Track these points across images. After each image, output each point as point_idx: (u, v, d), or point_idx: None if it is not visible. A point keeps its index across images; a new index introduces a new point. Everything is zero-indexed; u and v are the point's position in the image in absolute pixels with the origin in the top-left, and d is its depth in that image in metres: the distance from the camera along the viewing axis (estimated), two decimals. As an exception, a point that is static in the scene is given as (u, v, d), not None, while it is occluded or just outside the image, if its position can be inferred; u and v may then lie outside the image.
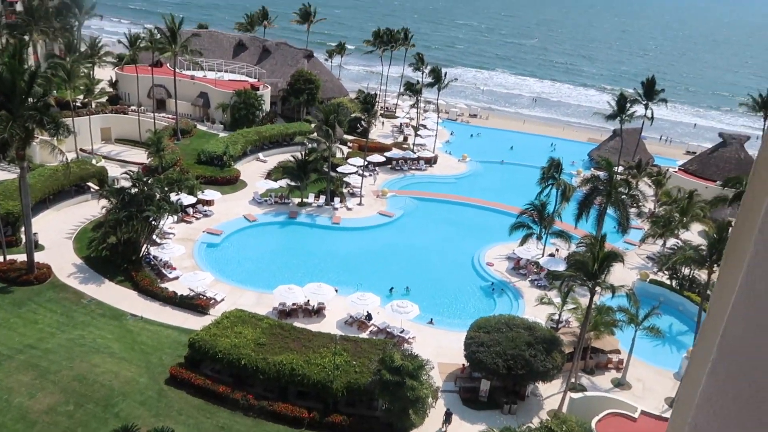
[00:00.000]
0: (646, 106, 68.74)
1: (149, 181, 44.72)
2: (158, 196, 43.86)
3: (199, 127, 71.32)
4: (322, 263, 48.22)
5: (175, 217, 49.10)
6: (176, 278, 42.20)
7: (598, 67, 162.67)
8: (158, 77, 71.01)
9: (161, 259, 44.12)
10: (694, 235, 52.81)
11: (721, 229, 39.61)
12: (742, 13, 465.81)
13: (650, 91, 68.63)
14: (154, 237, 44.80)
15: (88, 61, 66.43)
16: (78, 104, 65.64)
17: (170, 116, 70.67)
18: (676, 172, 67.27)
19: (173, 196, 47.37)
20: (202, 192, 53.68)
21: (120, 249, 42.38)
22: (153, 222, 43.30)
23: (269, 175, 61.52)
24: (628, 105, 66.99)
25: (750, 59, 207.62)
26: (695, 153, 76.11)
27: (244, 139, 65.06)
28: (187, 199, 51.17)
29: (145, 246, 44.04)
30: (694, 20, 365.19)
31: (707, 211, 51.17)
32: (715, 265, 39.37)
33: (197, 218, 52.01)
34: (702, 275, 43.92)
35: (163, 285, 41.42)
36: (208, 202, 53.99)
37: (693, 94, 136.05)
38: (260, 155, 66.89)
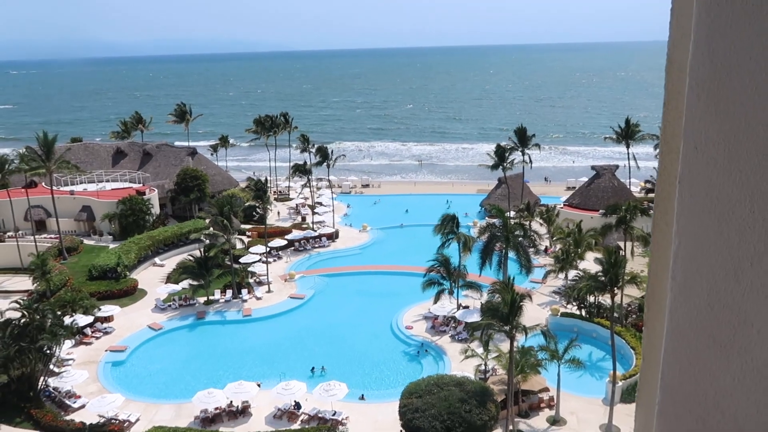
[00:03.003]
0: (523, 152, 73.37)
1: (39, 308, 41.55)
2: (51, 321, 40.76)
3: (86, 242, 67.78)
4: (239, 360, 46.26)
5: (73, 341, 45.70)
6: (82, 407, 38.82)
7: (471, 124, 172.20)
8: (34, 198, 67.35)
9: (62, 390, 40.53)
10: (590, 263, 55.80)
11: (610, 254, 42.21)
12: (587, 59, 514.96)
13: (523, 138, 73.48)
14: (52, 367, 41.32)
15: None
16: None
17: (52, 236, 66.76)
18: (562, 208, 71.52)
19: (67, 319, 44.19)
20: (99, 309, 50.48)
21: (13, 387, 38.60)
22: (48, 351, 40.01)
23: (169, 279, 59.09)
24: (507, 154, 71.27)
25: (598, 98, 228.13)
26: (575, 188, 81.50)
27: (137, 247, 62.46)
28: (83, 320, 47.84)
29: (42, 379, 40.41)
30: (545, 69, 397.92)
31: (598, 239, 54.56)
32: (616, 288, 41.67)
33: (97, 338, 48.63)
34: (606, 299, 46.24)
35: (68, 417, 37.88)
36: (107, 319, 50.76)
37: (561, 136, 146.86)
38: (156, 260, 64.32)
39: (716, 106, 1.70)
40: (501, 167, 70.91)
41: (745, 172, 1.71)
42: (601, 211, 64.13)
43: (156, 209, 72.69)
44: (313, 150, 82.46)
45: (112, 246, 64.71)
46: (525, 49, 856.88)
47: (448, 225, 53.07)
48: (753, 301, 1.77)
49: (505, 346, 39.10)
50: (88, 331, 48.67)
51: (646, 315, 2.08)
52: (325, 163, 77.80)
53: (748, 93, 1.66)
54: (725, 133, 1.71)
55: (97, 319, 49.82)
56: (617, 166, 75.65)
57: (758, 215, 1.72)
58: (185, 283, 55.59)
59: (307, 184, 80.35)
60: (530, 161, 74.36)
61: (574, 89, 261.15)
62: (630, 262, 47.09)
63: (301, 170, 77.57)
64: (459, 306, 51.26)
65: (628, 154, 77.75)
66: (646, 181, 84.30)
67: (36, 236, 63.43)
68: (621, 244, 56.23)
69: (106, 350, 46.86)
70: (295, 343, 48.91)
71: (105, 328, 49.74)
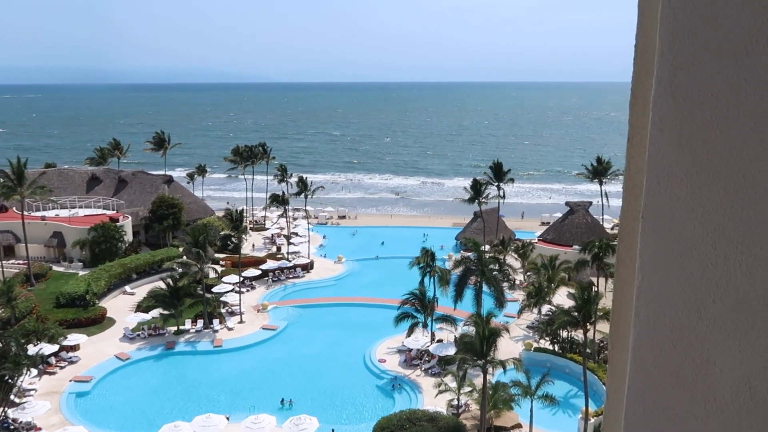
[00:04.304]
0: (498, 187, 74.28)
1: (3, 335, 40.38)
2: (14, 350, 39.57)
3: (55, 268, 66.36)
4: (208, 392, 45.31)
5: (35, 371, 44.32)
6: (43, 439, 37.52)
7: (446, 159, 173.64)
8: (4, 222, 66.07)
9: (22, 422, 39.17)
10: (563, 297, 56.19)
11: (583, 290, 42.65)
12: (562, 99, 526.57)
13: (499, 173, 74.49)
14: (12, 397, 39.96)
15: None
16: None
17: (20, 261, 65.34)
18: (537, 243, 72.16)
19: (32, 348, 42.98)
20: (65, 338, 49.15)
21: (-29, 418, 37.21)
22: (10, 381, 38.74)
23: (139, 307, 57.97)
24: (483, 188, 72.06)
25: (571, 136, 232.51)
26: (549, 223, 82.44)
27: (108, 274, 61.34)
28: (48, 348, 46.50)
29: (1, 409, 39.01)
30: (520, 107, 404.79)
31: (571, 273, 55.09)
32: (588, 324, 41.96)
33: (61, 367, 47.28)
34: (579, 335, 46.48)
35: (27, 450, 36.60)
36: (73, 348, 49.45)
37: (536, 173, 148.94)
38: (127, 288, 63.16)
39: (679, 142, 1.71)
40: (477, 201, 71.60)
41: (707, 208, 1.70)
42: (575, 246, 64.92)
43: (129, 236, 71.66)
44: (291, 180, 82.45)
45: (81, 273, 63.45)
46: (502, 87, 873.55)
47: (425, 259, 53.28)
48: (716, 339, 1.75)
49: (478, 381, 38.95)
50: (53, 360, 47.34)
51: (610, 352, 2.06)
52: (303, 194, 77.79)
53: (710, 129, 1.67)
54: (687, 168, 1.71)
55: (62, 348, 48.48)
56: (591, 203, 76.85)
57: (720, 252, 1.71)
58: (155, 312, 54.57)
59: (284, 215, 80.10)
60: (504, 196, 75.23)
61: (548, 128, 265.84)
62: (604, 299, 47.52)
63: (278, 200, 77.39)
64: (432, 339, 51.04)
65: (601, 191, 79.15)
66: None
67: (3, 262, 61.98)
68: (593, 279, 56.79)
69: (70, 380, 45.56)
70: (266, 375, 48.10)
71: (70, 358, 48.43)
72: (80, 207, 77.63)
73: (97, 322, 54.66)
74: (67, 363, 47.81)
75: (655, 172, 1.74)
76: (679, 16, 1.66)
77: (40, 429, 38.87)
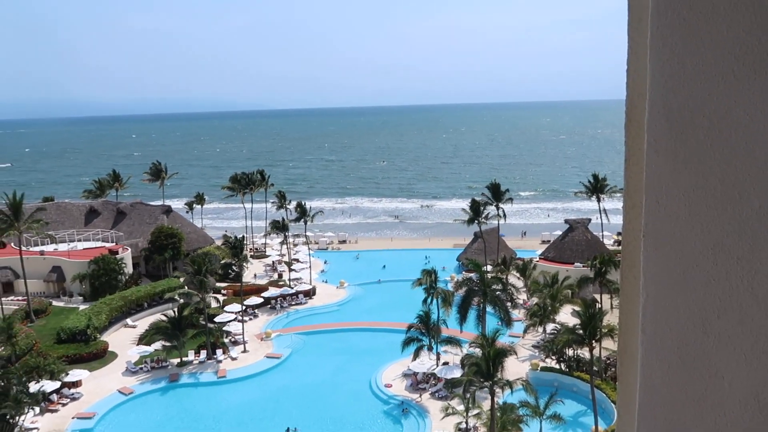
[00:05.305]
0: (497, 207, 74.32)
1: (3, 374, 39.95)
2: (15, 389, 39.11)
3: (55, 303, 65.94)
4: (213, 423, 44.78)
5: (37, 409, 43.76)
6: (47, 479, 36.89)
7: (443, 182, 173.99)
8: (2, 259, 65.73)
9: (26, 461, 38.57)
10: (567, 315, 55.91)
11: (587, 307, 42.47)
12: (555, 117, 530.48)
13: (497, 193, 74.59)
14: (15, 436, 39.37)
15: None
16: None
17: (20, 298, 64.86)
18: (538, 261, 72.02)
19: (33, 385, 42.47)
20: (67, 374, 48.63)
21: (-27, 460, 36.63)
22: (11, 420, 38.22)
23: (141, 340, 57.50)
24: (482, 208, 72.10)
25: (566, 155, 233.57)
26: (549, 241, 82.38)
27: (109, 308, 60.93)
28: (49, 385, 45.98)
29: (4, 449, 38.45)
30: (514, 128, 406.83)
31: (575, 290, 54.91)
32: (594, 341, 41.72)
33: (64, 404, 46.66)
34: (585, 353, 46.14)
35: (31, 491, 35.95)
36: (75, 384, 48.88)
37: (535, 193, 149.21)
38: (128, 321, 62.68)
39: (674, 162, 1.76)
40: (477, 222, 71.58)
41: (706, 225, 1.75)
42: (576, 264, 64.82)
43: (129, 268, 71.37)
44: (291, 206, 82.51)
45: (82, 307, 63.04)
46: (494, 108, 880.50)
47: (427, 279, 53.10)
48: (722, 354, 1.79)
49: (485, 403, 38.54)
50: (55, 397, 46.76)
51: (618, 370, 2.07)
52: (302, 220, 77.77)
53: (704, 149, 1.73)
54: (684, 187, 1.76)
55: (64, 385, 47.94)
56: (590, 220, 76.90)
57: (721, 267, 1.76)
58: (158, 345, 54.12)
59: (284, 241, 79.94)
60: (504, 215, 75.28)
61: (543, 146, 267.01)
62: (608, 315, 47.30)
63: (278, 227, 77.29)
64: (438, 361, 50.64)
65: (599, 207, 79.25)
66: (619, 233, 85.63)
67: (2, 298, 61.56)
68: (596, 296, 56.60)
69: (73, 417, 44.91)
70: (271, 404, 47.56)
71: (72, 394, 47.84)
72: (79, 240, 77.40)
73: (99, 356, 54.15)
74: (69, 400, 47.23)
75: (654, 192, 1.80)
76: (668, 42, 1.72)
77: (43, 468, 38.24)
